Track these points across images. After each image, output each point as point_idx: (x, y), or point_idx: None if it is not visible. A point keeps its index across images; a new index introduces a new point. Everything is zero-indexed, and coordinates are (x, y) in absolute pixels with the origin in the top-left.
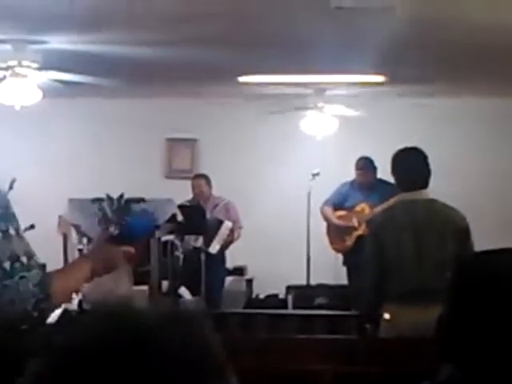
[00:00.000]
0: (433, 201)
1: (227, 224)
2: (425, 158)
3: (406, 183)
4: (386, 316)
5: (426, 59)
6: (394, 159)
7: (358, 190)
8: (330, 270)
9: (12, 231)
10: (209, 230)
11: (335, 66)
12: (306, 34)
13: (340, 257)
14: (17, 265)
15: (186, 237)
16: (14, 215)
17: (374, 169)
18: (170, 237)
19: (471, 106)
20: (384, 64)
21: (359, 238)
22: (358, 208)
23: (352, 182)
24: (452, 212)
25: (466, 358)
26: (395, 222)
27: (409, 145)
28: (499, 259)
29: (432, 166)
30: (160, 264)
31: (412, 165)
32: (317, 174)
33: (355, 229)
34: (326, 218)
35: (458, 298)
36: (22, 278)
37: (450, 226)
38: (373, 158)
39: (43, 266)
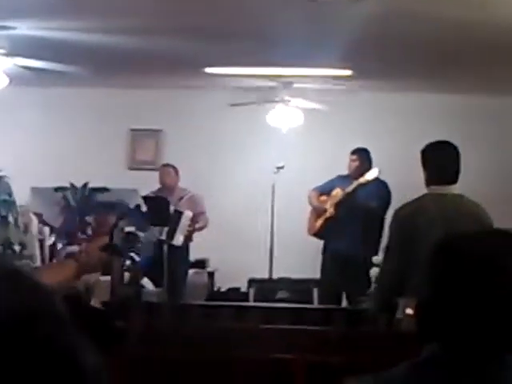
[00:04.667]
0: (461, 196)
1: (187, 214)
2: (457, 153)
3: (437, 177)
4: (409, 311)
5: (392, 54)
6: (426, 151)
7: (348, 180)
8: (293, 263)
9: (11, 219)
10: (171, 221)
11: (302, 60)
12: (274, 26)
13: (304, 249)
14: (8, 252)
15: (151, 228)
16: (14, 203)
17: (369, 160)
18: (132, 228)
19: (432, 101)
20: (351, 58)
21: (327, 219)
22: (333, 192)
23: (346, 176)
24: (479, 209)
25: (448, 336)
26: (425, 215)
27: (371, 141)
28: (481, 239)
29: (389, 162)
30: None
31: (445, 159)
32: (281, 168)
33: (325, 211)
34: (309, 202)
35: (439, 277)
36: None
37: (477, 222)
38: (335, 152)
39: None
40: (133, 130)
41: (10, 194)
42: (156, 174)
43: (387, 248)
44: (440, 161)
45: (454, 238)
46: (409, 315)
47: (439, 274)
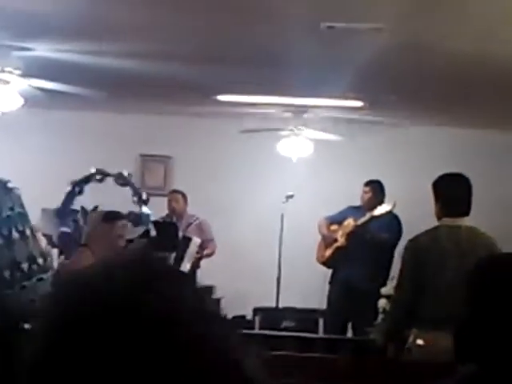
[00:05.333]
0: (474, 228)
1: (196, 241)
2: (469, 185)
3: (449, 209)
4: (420, 342)
5: (405, 87)
6: (439, 183)
7: (359, 211)
8: (300, 293)
9: (28, 232)
10: (179, 247)
11: (315, 89)
12: (288, 54)
13: (311, 280)
14: (34, 267)
15: (159, 254)
16: (26, 215)
17: (382, 192)
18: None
19: (446, 135)
20: (363, 89)
21: (337, 249)
22: (345, 222)
23: (358, 207)
24: (490, 240)
25: (486, 357)
26: (439, 246)
27: (382, 173)
28: None
29: (399, 194)
30: None
31: (457, 191)
32: (291, 197)
33: (336, 240)
34: (319, 230)
35: (477, 298)
36: (39, 279)
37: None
38: (345, 183)
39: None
40: (142, 155)
41: (23, 206)
42: (165, 200)
43: (399, 279)
44: (452, 193)
45: (491, 261)
46: (419, 345)
47: (478, 295)
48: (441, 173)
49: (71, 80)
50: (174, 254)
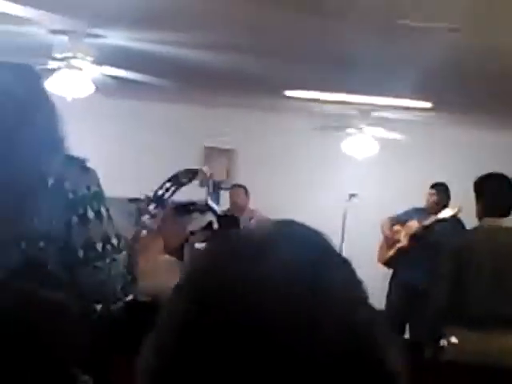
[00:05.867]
0: None
1: None
2: (511, 186)
3: (491, 209)
4: (454, 340)
5: (475, 89)
6: (481, 183)
7: (423, 213)
8: None
9: (104, 212)
10: None
11: (382, 88)
12: (358, 52)
13: (372, 280)
14: (108, 246)
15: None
16: (103, 195)
17: (447, 195)
18: (204, 245)
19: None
20: (432, 90)
21: (400, 250)
22: (409, 224)
23: (422, 209)
24: None
25: None
26: (477, 246)
27: (447, 175)
28: None
29: (463, 199)
30: None
31: (499, 191)
32: (354, 195)
33: (398, 241)
34: (382, 230)
35: None
36: (113, 260)
37: None
38: (410, 184)
39: (129, 247)
40: (207, 147)
41: (99, 185)
42: (227, 193)
43: (438, 277)
44: (495, 193)
45: None
46: (453, 344)
47: None
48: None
49: (142, 69)
50: None
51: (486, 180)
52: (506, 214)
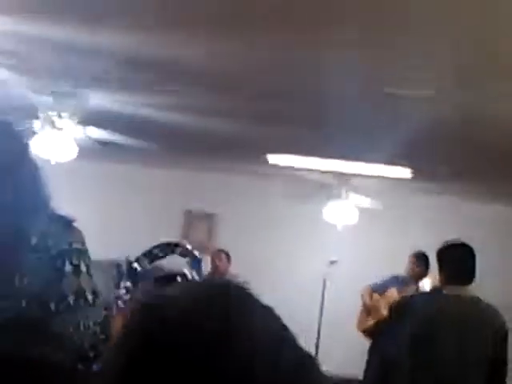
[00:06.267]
0: (477, 298)
1: None
2: (473, 254)
3: (452, 277)
4: None
5: (456, 159)
6: (442, 251)
7: (402, 281)
8: (339, 360)
9: (83, 267)
10: None
11: (364, 154)
12: (343, 116)
13: (350, 347)
14: (81, 301)
15: None
16: (87, 253)
17: (427, 265)
18: None
19: (495, 212)
20: (413, 158)
21: (379, 321)
22: (388, 293)
23: (401, 277)
24: (494, 313)
25: None
26: (437, 314)
27: (427, 244)
28: None
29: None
30: None
31: (460, 259)
32: (334, 262)
33: (378, 310)
34: (362, 298)
35: None
36: (85, 316)
37: (491, 328)
38: (390, 251)
39: (108, 309)
40: (187, 211)
41: (83, 243)
42: (208, 258)
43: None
44: (456, 261)
45: None
46: None
47: None
48: (490, 251)
49: (125, 131)
50: None
51: (447, 248)
52: (467, 282)
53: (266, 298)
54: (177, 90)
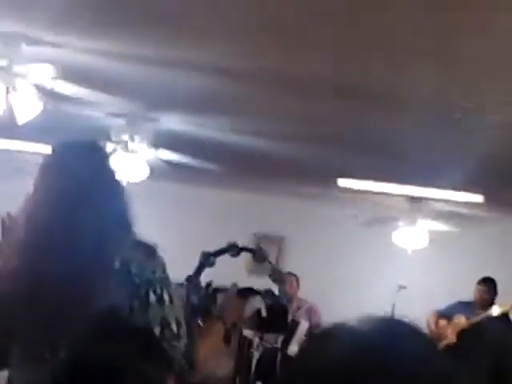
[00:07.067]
0: None
1: (304, 324)
2: None
3: None
4: None
5: None
6: None
7: (470, 307)
8: None
9: (166, 296)
10: (288, 330)
11: (435, 180)
12: (413, 143)
13: None
14: (166, 332)
15: (266, 335)
16: (169, 281)
17: (495, 291)
18: (250, 332)
19: None
20: (484, 184)
21: (447, 346)
22: (456, 319)
23: (468, 303)
24: None
25: None
26: None
27: (495, 270)
28: None
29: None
30: (236, 357)
31: None
32: (403, 287)
33: (445, 336)
34: (427, 325)
35: None
36: (171, 346)
37: None
38: (459, 277)
39: (190, 335)
40: (256, 234)
41: (165, 272)
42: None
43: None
44: None
45: None
46: None
47: None
48: None
49: (195, 153)
50: (281, 337)
51: None
52: None
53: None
54: (247, 114)
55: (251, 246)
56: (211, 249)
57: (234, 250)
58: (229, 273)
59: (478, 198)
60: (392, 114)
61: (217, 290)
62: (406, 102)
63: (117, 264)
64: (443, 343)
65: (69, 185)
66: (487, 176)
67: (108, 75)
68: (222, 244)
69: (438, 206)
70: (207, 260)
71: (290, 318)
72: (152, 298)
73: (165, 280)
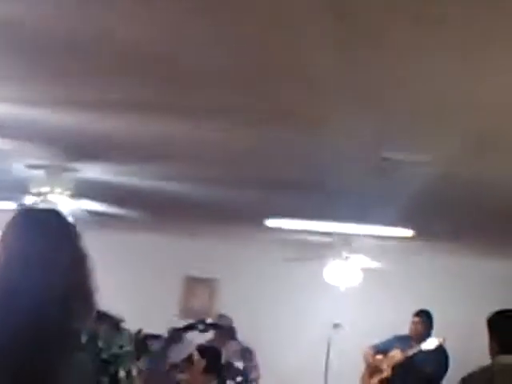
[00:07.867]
0: None
1: (238, 366)
2: None
3: (506, 346)
4: None
5: (457, 218)
6: (494, 320)
7: (406, 341)
8: None
9: (134, 372)
10: (222, 373)
11: (365, 217)
12: (339, 181)
13: None
14: None
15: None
16: (134, 354)
17: (431, 323)
18: (183, 376)
19: (497, 269)
20: (414, 219)
21: (382, 381)
22: (391, 353)
23: (404, 337)
24: None
25: None
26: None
27: (430, 303)
28: None
29: (448, 327)
30: None
31: None
32: (338, 325)
33: (381, 370)
34: (364, 359)
35: None
36: None
37: None
38: (393, 312)
39: None
40: (187, 277)
41: (132, 344)
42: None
43: None
44: (509, 330)
45: None
46: None
47: None
48: (492, 309)
49: (120, 202)
50: (215, 381)
51: (498, 316)
52: None
53: (269, 364)
54: (169, 160)
55: (183, 289)
56: (143, 294)
57: (202, 325)
58: (158, 318)
59: (408, 233)
60: (318, 153)
61: (146, 337)
62: (331, 140)
63: (84, 338)
64: (380, 377)
65: (30, 252)
66: (416, 211)
67: (24, 124)
68: (155, 288)
69: (368, 241)
70: (175, 336)
71: (223, 360)
72: (121, 374)
73: (132, 354)
